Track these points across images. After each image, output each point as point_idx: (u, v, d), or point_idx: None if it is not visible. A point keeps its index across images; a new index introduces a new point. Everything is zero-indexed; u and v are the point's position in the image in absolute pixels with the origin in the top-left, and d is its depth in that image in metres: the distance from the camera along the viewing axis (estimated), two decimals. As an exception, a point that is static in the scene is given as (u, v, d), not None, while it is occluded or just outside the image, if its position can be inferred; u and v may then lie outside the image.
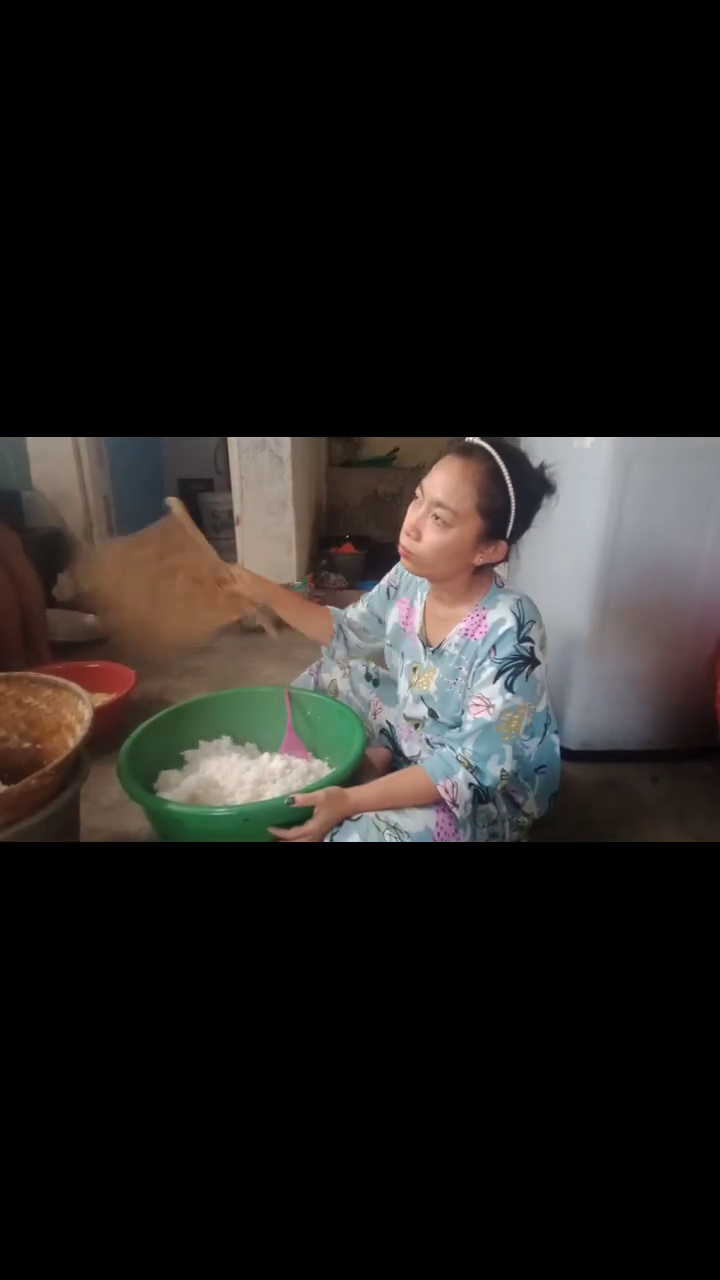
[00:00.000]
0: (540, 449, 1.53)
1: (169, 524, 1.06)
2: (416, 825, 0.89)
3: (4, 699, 1.07)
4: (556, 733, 1.10)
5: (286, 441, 2.42)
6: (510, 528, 0.88)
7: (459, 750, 0.90)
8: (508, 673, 0.89)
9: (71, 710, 1.02)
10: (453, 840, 0.92)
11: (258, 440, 2.44)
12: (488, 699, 0.89)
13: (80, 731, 0.94)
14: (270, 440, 2.43)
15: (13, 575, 1.76)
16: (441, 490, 0.86)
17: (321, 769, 1.12)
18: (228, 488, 2.66)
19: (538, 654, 0.91)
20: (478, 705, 0.90)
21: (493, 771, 0.89)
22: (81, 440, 2.47)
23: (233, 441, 2.48)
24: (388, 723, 1.18)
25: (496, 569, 1.00)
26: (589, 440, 1.28)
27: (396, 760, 1.19)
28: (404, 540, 0.91)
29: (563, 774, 1.13)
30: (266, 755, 1.16)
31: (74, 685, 1.02)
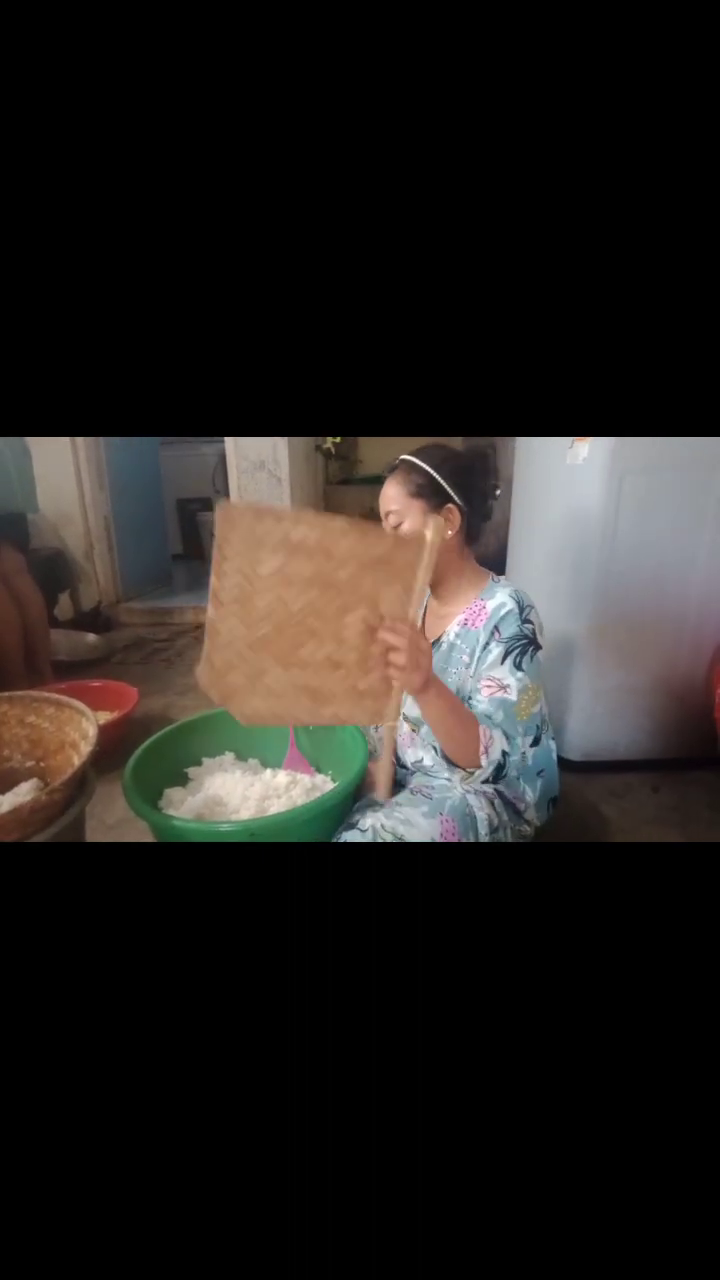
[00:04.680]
0: (537, 464, 1.57)
1: (394, 533, 0.73)
2: (421, 836, 0.89)
3: (7, 718, 1.07)
4: (553, 738, 1.10)
5: (285, 461, 2.46)
6: (451, 491, 0.93)
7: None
8: (514, 652, 0.92)
9: (75, 728, 1.02)
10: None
11: (256, 460, 2.47)
12: (499, 679, 0.92)
13: (85, 749, 0.94)
14: (269, 460, 2.47)
15: (16, 596, 1.78)
16: (384, 503, 0.97)
17: (325, 783, 1.13)
18: (227, 507, 2.69)
19: (539, 637, 0.94)
20: (489, 686, 0.92)
21: (520, 744, 0.92)
22: (82, 461, 2.50)
23: (231, 462, 2.51)
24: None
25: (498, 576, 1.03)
26: (582, 454, 1.31)
27: (399, 771, 1.19)
28: None
29: (564, 785, 1.13)
30: (270, 771, 1.16)
31: (77, 703, 1.03)
